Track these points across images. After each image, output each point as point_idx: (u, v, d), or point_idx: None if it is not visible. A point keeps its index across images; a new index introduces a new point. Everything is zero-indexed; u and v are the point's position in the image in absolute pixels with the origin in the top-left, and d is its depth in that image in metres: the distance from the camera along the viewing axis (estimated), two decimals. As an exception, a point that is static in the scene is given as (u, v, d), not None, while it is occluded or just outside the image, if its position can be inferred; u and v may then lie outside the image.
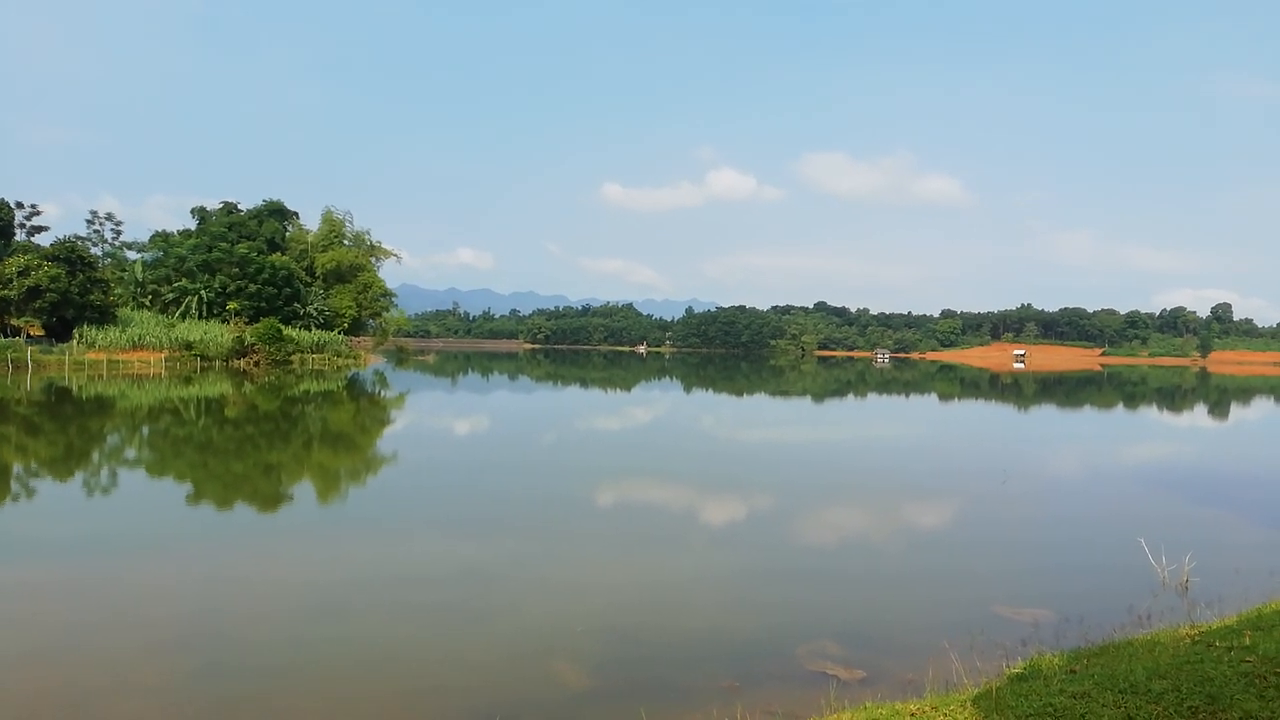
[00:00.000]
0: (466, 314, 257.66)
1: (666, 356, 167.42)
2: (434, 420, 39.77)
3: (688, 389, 72.00)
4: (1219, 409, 62.20)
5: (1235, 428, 48.87)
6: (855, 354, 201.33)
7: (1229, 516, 19.33)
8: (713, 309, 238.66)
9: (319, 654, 9.97)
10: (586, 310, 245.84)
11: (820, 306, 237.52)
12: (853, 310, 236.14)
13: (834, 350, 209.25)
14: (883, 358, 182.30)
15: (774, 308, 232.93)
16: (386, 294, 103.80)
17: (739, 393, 68.29)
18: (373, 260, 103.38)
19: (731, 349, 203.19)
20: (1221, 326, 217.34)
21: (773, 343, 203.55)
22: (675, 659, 10.07)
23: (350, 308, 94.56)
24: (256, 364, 69.87)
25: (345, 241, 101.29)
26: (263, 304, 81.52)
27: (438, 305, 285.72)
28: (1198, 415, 57.11)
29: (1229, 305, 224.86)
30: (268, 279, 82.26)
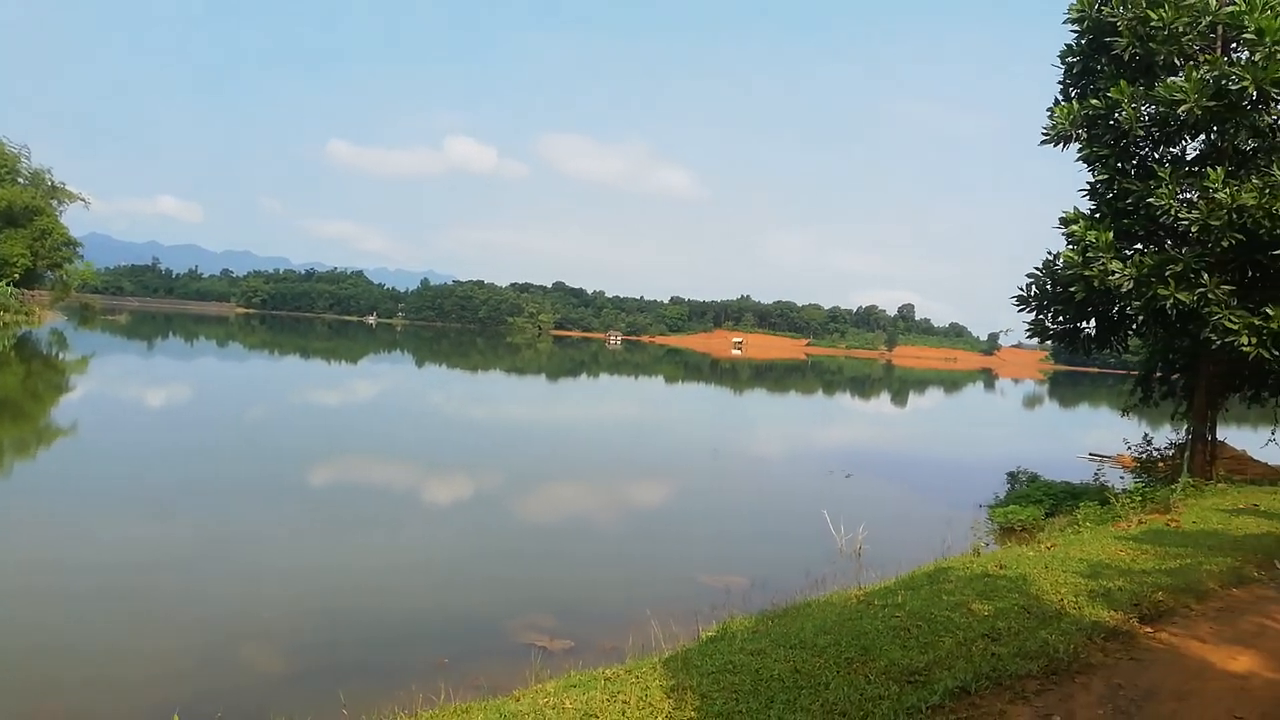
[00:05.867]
0: (169, 271, 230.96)
1: (399, 329, 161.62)
2: (123, 389, 35.50)
3: (420, 363, 70.06)
4: (899, 398, 71.00)
5: (910, 414, 56.05)
6: (590, 335, 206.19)
7: (898, 491, 22.10)
8: (450, 282, 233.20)
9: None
10: (311, 275, 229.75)
11: (558, 286, 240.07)
12: (589, 292, 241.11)
13: (570, 330, 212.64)
14: (615, 340, 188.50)
15: (513, 285, 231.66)
16: (70, 243, 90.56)
17: (473, 369, 67.56)
18: (54, 204, 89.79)
19: (468, 324, 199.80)
20: (905, 324, 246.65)
21: (510, 320, 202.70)
22: (382, 640, 9.78)
23: (23, 256, 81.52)
24: (-108, 315, 58.51)
25: (20, 180, 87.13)
26: (-97, 244, 68.27)
27: (135, 260, 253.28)
28: (882, 403, 64.81)
29: (912, 306, 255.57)
30: (-89, 215, 68.99)
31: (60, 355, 50.30)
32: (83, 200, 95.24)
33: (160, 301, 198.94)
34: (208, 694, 8.02)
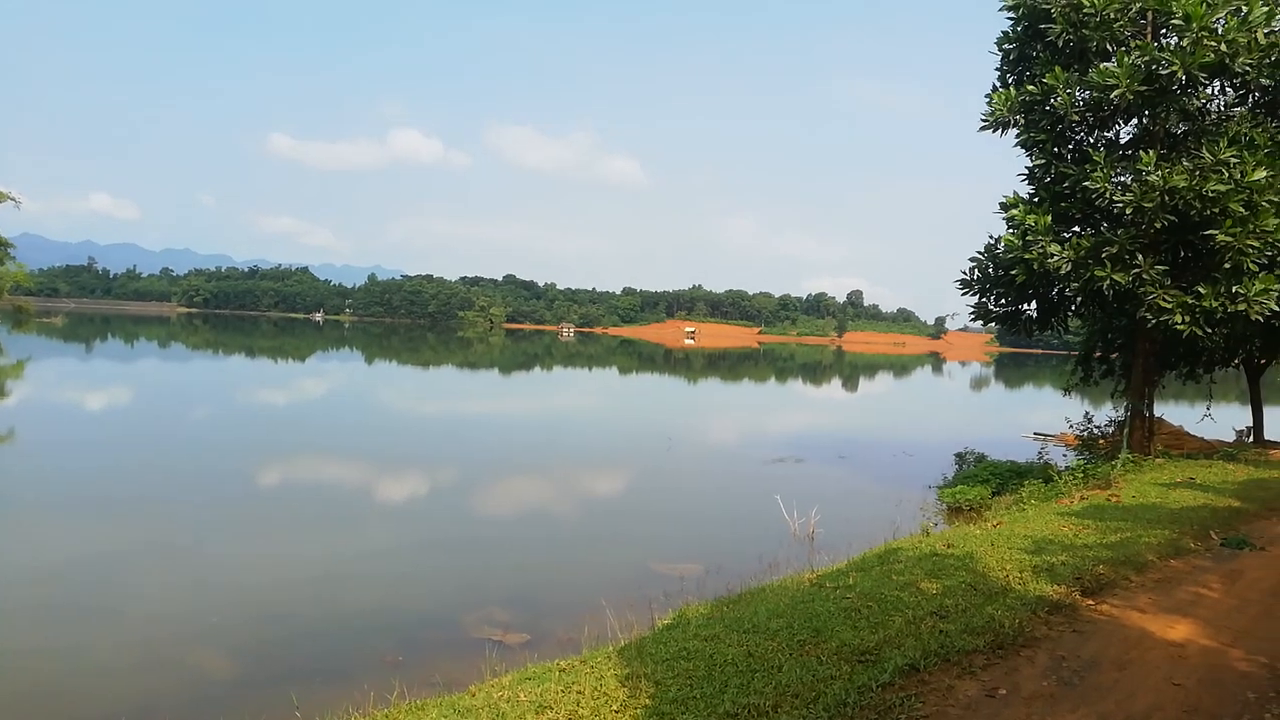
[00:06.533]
0: (106, 271, 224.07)
1: (347, 326, 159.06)
2: (63, 393, 34.40)
3: (370, 360, 69.04)
4: (850, 383, 71.89)
5: (861, 399, 56.81)
6: (543, 327, 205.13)
7: (849, 474, 22.37)
8: (398, 277, 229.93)
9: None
10: (254, 272, 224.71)
11: (509, 279, 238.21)
12: (541, 284, 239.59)
13: (522, 324, 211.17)
14: (568, 332, 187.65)
15: (463, 278, 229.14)
16: (1, 244, 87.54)
17: (425, 364, 66.78)
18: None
19: (417, 319, 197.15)
20: (855, 310, 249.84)
21: (461, 314, 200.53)
22: (335, 640, 9.63)
23: (-51, 259, 78.60)
24: None
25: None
26: None
27: (70, 260, 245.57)
28: (834, 388, 65.59)
29: (861, 292, 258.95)
30: None
31: (-8, 360, 48.55)
32: (13, 200, 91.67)
33: (98, 302, 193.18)
34: (155, 701, 7.84)
